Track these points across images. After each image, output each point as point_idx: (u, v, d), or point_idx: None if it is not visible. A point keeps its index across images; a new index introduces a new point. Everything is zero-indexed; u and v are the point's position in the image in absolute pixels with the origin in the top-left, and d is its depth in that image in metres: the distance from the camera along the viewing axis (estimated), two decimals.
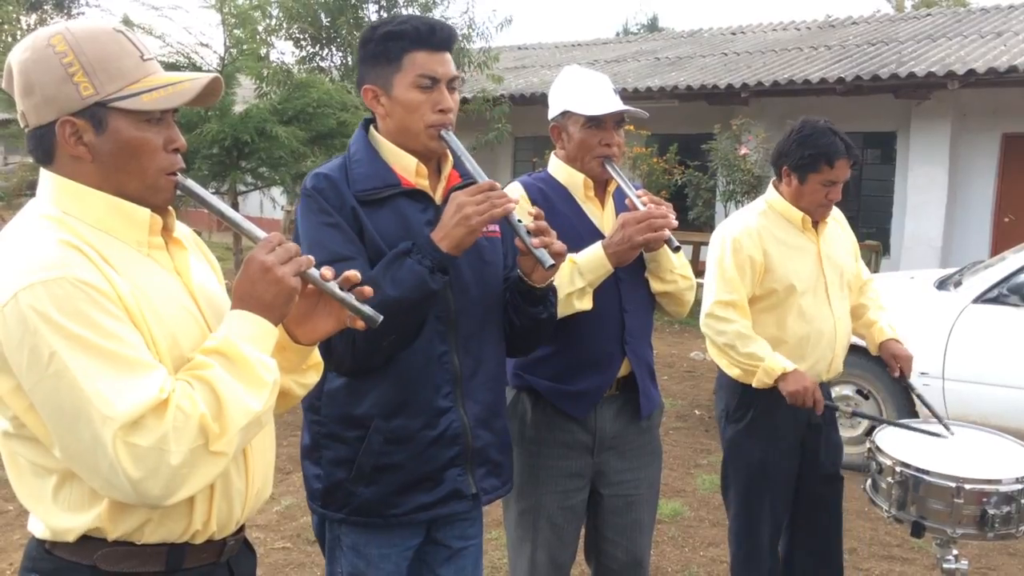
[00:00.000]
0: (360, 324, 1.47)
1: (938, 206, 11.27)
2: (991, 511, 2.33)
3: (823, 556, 3.04)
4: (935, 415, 2.76)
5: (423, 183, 1.93)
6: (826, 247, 2.92)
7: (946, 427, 2.68)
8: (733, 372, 2.85)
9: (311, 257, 1.41)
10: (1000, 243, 10.38)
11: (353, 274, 1.45)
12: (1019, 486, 2.35)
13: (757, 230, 2.86)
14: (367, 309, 1.44)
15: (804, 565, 3.05)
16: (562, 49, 19.06)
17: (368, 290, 1.45)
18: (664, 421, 6.11)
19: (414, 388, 1.88)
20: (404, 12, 12.84)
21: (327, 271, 1.43)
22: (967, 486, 2.34)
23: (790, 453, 2.90)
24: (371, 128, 1.98)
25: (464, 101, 13.16)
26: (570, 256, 2.24)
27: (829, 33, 15.18)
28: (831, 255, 2.92)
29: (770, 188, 2.96)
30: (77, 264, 1.28)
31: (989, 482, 2.35)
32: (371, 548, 1.93)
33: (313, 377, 1.63)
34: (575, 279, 2.25)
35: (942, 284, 5.26)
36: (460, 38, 12.95)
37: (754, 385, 2.77)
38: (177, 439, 1.25)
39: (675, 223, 2.27)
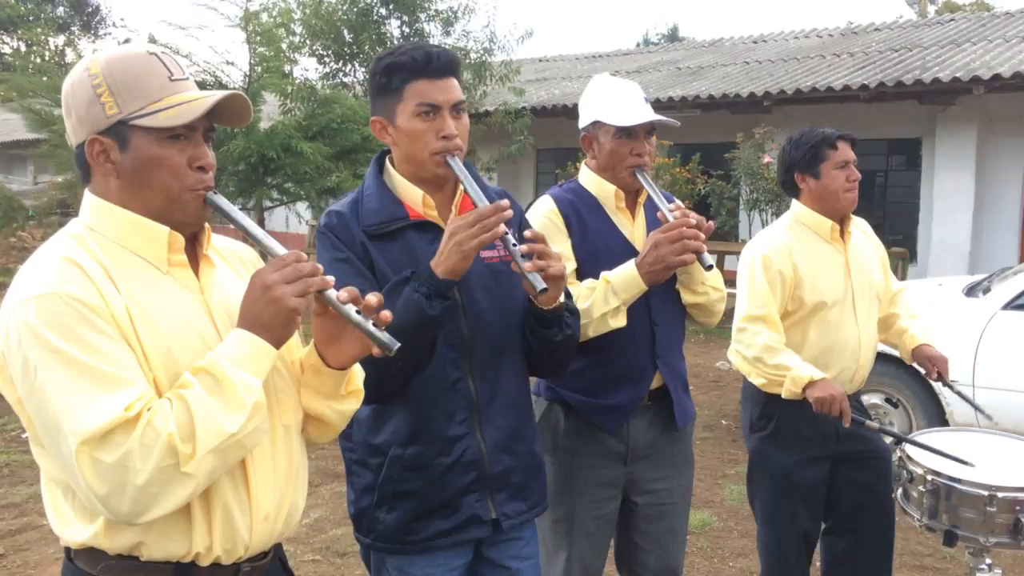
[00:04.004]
0: (376, 350, 1.45)
1: (965, 212, 11.15)
2: None
3: (867, 571, 3.00)
4: (982, 412, 2.76)
5: (431, 214, 1.95)
6: (854, 258, 2.91)
7: (987, 416, 2.74)
8: (758, 381, 2.83)
9: (329, 278, 1.41)
10: None
11: (372, 299, 1.43)
12: None
13: (786, 245, 2.86)
14: (383, 335, 1.42)
15: None
16: (583, 61, 19.10)
17: (387, 315, 1.43)
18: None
19: (427, 416, 1.90)
20: (425, 27, 12.94)
21: (344, 293, 1.42)
22: (1000, 494, 2.31)
23: (816, 463, 2.87)
24: (386, 161, 2.02)
25: (486, 114, 13.22)
26: (604, 275, 2.27)
27: (852, 40, 15.11)
28: (859, 266, 2.91)
29: (794, 204, 2.97)
30: (72, 280, 1.32)
31: (1022, 490, 2.32)
32: (415, 569, 1.95)
33: (352, 404, 1.63)
34: (609, 299, 2.25)
35: (971, 291, 5.21)
36: (481, 52, 13.03)
37: (783, 395, 2.74)
38: (143, 457, 1.25)
39: (705, 247, 2.24)
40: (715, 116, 12.58)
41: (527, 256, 1.82)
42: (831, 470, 2.90)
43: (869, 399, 4.98)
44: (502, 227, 1.80)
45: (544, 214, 2.39)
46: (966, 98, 10.76)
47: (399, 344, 1.43)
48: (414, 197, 1.94)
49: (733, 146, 11.54)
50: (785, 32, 17.39)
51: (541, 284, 1.79)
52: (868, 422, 2.73)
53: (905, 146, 12.07)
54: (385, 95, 1.91)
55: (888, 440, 3.00)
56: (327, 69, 13.20)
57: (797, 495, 2.88)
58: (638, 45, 29.91)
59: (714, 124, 12.48)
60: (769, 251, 2.85)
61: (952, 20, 15.52)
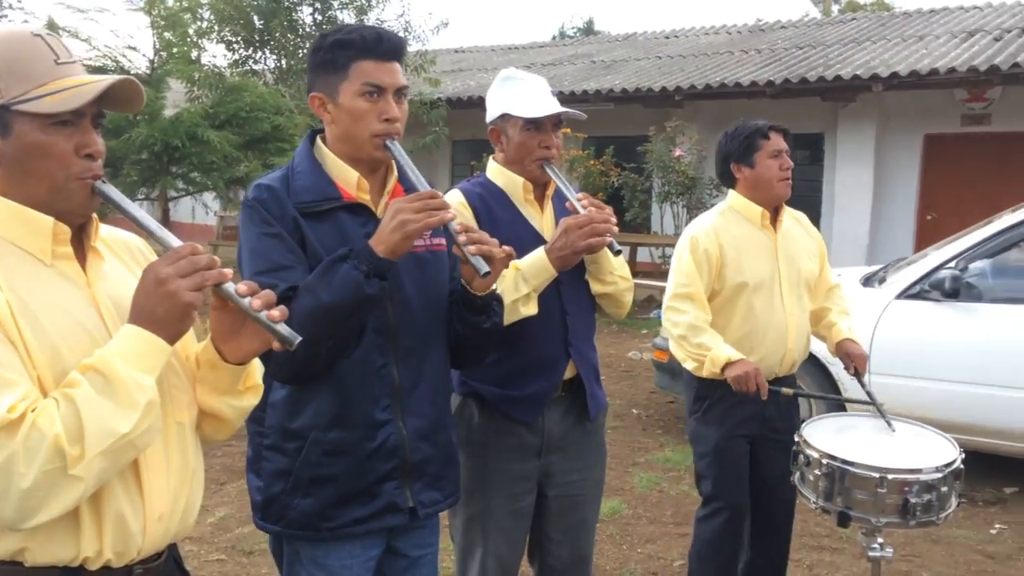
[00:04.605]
0: (276, 344, 1.42)
1: (864, 205, 11.65)
2: (913, 500, 2.40)
3: (773, 554, 3.16)
4: (883, 415, 2.81)
5: (364, 197, 1.92)
6: (784, 245, 3.03)
7: (888, 424, 2.74)
8: (689, 364, 2.96)
9: (226, 271, 1.36)
10: (923, 240, 10.72)
11: (268, 293, 1.39)
12: (939, 475, 2.42)
13: (714, 228, 2.99)
14: (283, 329, 1.38)
15: (755, 562, 3.16)
16: (499, 52, 19.12)
17: (279, 313, 1.39)
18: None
19: (352, 400, 1.88)
20: (339, 15, 12.75)
21: (243, 286, 1.38)
22: (890, 476, 2.40)
23: (742, 440, 3.00)
24: (317, 140, 1.98)
25: None
26: (514, 263, 2.26)
27: (759, 37, 15.53)
28: (789, 253, 3.03)
29: (731, 193, 3.09)
30: None
31: (911, 471, 2.42)
32: (331, 560, 1.92)
33: (250, 400, 1.58)
34: (519, 285, 2.26)
35: (867, 281, 5.40)
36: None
37: (704, 375, 2.89)
38: (28, 460, 1.20)
39: (616, 230, 2.29)
40: (628, 109, 12.76)
41: (470, 240, 1.82)
42: (752, 449, 3.03)
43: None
44: (452, 212, 1.80)
45: (454, 207, 2.38)
46: (866, 95, 11.20)
47: (300, 338, 1.39)
48: (348, 179, 1.91)
49: (645, 139, 11.73)
50: (695, 28, 17.78)
51: (485, 267, 1.82)
52: (783, 390, 2.86)
53: (809, 141, 12.48)
54: (328, 71, 1.88)
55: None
56: (236, 56, 12.87)
57: (731, 468, 3.01)
58: (554, 38, 30.06)
59: (627, 117, 12.66)
60: (697, 233, 2.99)
61: (854, 19, 16.11)
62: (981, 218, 5.32)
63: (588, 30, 32.58)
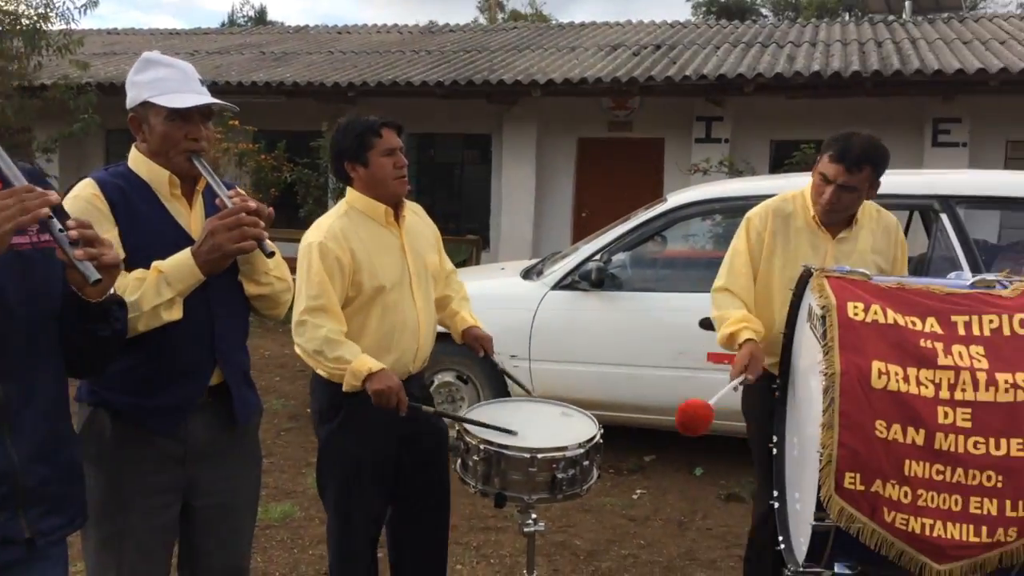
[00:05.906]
0: None
1: (528, 203, 12.54)
2: (560, 475, 2.61)
3: (428, 549, 3.13)
4: (521, 386, 3.02)
5: None
6: (409, 240, 2.99)
7: (529, 393, 2.93)
8: (324, 374, 2.84)
9: None
10: (579, 235, 11.70)
11: None
12: (581, 450, 2.65)
13: (342, 231, 2.85)
14: None
15: (409, 559, 3.13)
16: (158, 37, 17.96)
17: None
18: (276, 422, 6.03)
19: None
20: None
21: None
22: (539, 455, 2.59)
23: (386, 449, 2.95)
24: None
25: (42, 88, 11.90)
26: (156, 264, 2.12)
27: (429, 38, 16.02)
28: (414, 247, 3.00)
29: (348, 191, 2.98)
30: None
31: (557, 450, 2.63)
32: None
33: None
34: (162, 290, 2.10)
35: (527, 274, 5.78)
36: (36, 18, 11.61)
37: (344, 389, 2.75)
38: None
39: (266, 234, 2.19)
40: (300, 103, 12.55)
41: (75, 243, 1.63)
42: (397, 451, 2.97)
43: (442, 377, 5.33)
44: (45, 210, 1.59)
45: (86, 199, 2.16)
46: (527, 100, 12.01)
47: None
48: None
49: (319, 135, 11.59)
50: (368, 25, 17.92)
51: (95, 275, 1.63)
52: (424, 408, 2.83)
53: (478, 141, 13.13)
54: None
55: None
56: None
57: (368, 482, 2.93)
58: (222, 24, 28.76)
59: (300, 112, 12.46)
60: (325, 239, 2.81)
61: (515, 28, 17.22)
62: (625, 214, 5.89)
63: (260, 20, 31.58)
